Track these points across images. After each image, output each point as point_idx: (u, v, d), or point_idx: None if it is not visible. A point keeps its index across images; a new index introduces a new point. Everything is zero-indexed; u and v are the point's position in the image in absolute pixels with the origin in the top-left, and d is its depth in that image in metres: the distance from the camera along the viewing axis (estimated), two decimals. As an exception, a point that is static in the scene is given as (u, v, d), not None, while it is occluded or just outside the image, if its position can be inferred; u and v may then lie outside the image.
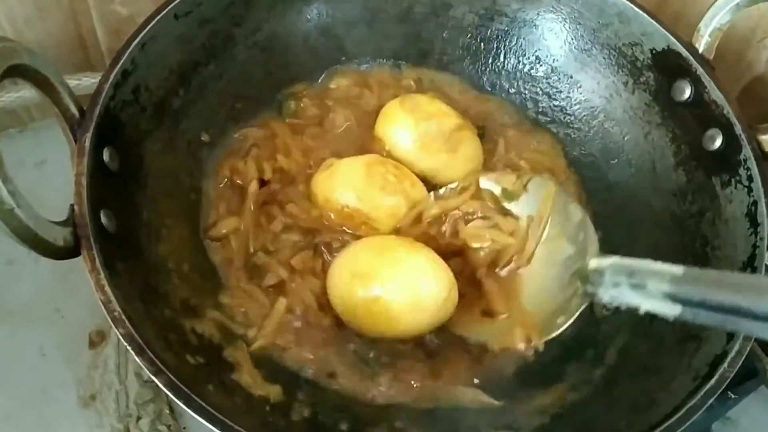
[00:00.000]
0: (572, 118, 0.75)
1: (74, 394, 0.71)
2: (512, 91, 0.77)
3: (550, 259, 0.60)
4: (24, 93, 0.83)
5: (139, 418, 0.69)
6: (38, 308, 0.75)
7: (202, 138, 0.68)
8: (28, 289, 0.77)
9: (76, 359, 0.72)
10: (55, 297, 0.76)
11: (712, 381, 0.50)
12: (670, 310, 0.44)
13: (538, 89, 0.76)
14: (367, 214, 0.64)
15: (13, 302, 0.76)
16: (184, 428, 0.70)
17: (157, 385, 0.70)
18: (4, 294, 0.76)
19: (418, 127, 0.68)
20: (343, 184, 0.64)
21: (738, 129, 0.61)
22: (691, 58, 0.65)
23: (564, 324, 0.56)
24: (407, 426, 0.56)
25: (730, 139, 0.62)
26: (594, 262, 0.53)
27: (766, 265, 0.55)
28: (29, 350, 0.73)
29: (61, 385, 0.71)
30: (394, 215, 0.64)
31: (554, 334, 0.57)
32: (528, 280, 0.61)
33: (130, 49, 0.60)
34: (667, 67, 0.67)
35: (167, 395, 0.69)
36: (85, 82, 0.78)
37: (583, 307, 0.55)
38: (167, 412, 0.70)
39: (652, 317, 0.60)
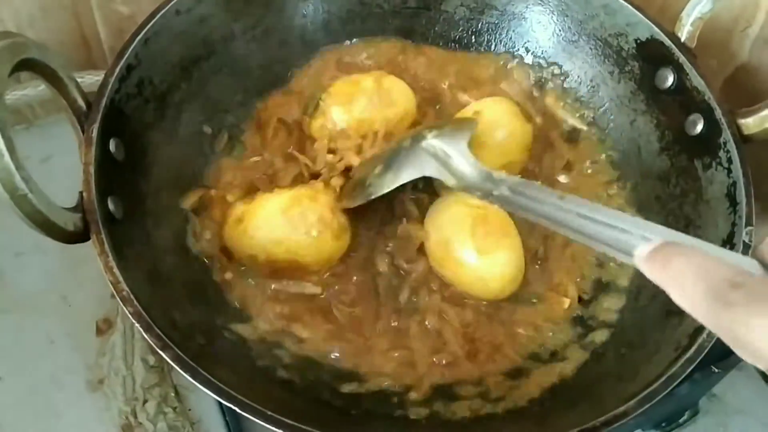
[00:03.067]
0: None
1: (83, 379, 0.73)
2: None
3: None
4: (29, 91, 0.85)
5: (145, 401, 0.71)
6: (46, 298, 0.77)
7: (204, 130, 0.71)
8: (35, 280, 0.79)
9: (84, 346, 0.75)
10: (62, 287, 0.78)
11: (692, 350, 0.52)
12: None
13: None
14: (294, 259, 0.63)
15: (21, 292, 0.78)
16: (189, 410, 0.72)
17: (162, 370, 0.74)
18: (12, 284, 0.78)
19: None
20: (262, 238, 0.63)
21: (718, 113, 0.63)
22: (673, 46, 0.67)
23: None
24: None
25: (711, 123, 0.64)
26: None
27: (743, 241, 0.58)
28: (38, 338, 0.75)
29: (70, 371, 0.73)
30: (321, 250, 0.64)
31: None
32: None
33: (134, 45, 0.62)
34: (651, 56, 0.69)
35: (172, 379, 0.73)
36: (88, 80, 0.79)
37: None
38: (172, 395, 0.73)
39: (636, 295, 0.64)
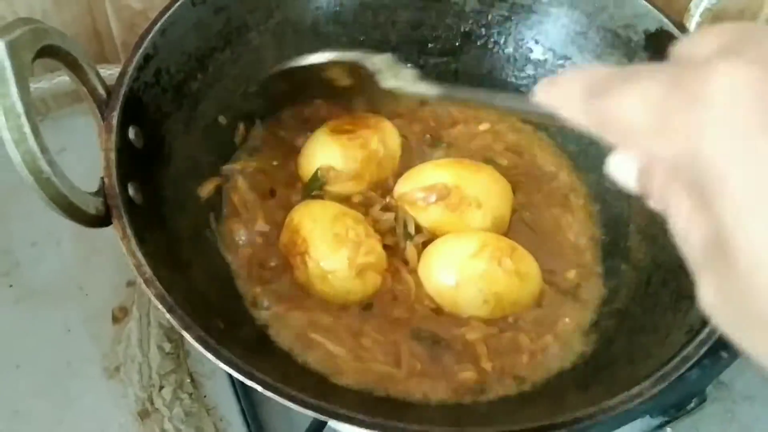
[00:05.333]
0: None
1: (99, 366, 0.74)
2: (511, 74, 0.80)
3: None
4: (42, 84, 0.86)
5: (161, 388, 0.73)
6: (62, 287, 0.79)
7: (219, 120, 0.72)
8: (51, 269, 0.80)
9: (100, 334, 0.76)
10: (77, 276, 0.80)
11: (705, 332, 0.53)
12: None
13: (537, 72, 0.79)
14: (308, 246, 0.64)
15: (37, 282, 0.79)
16: (205, 396, 0.73)
17: (178, 357, 0.75)
18: (28, 274, 0.80)
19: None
20: (309, 214, 0.66)
21: (727, 103, 0.64)
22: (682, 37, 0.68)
23: None
24: None
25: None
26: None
27: None
28: (55, 327, 0.76)
29: (87, 359, 0.75)
30: (327, 262, 0.64)
31: None
32: None
33: (151, 34, 0.63)
34: (660, 47, 0.70)
35: (188, 366, 0.74)
36: (101, 74, 0.81)
37: None
38: (188, 381, 0.74)
39: (647, 283, 0.65)
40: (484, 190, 0.69)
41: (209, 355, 0.49)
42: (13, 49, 0.47)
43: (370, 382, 0.60)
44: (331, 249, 0.63)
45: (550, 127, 0.77)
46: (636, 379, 0.52)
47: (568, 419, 0.50)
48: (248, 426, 0.71)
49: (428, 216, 0.69)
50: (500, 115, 0.78)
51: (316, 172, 0.70)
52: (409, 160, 0.74)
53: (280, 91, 0.72)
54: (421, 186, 0.69)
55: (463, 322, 0.65)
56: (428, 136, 0.77)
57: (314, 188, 0.70)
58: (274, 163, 0.73)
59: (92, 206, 0.53)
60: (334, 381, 0.60)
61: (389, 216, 0.69)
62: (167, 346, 0.74)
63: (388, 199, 0.71)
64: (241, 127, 0.74)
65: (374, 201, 0.70)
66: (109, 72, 0.78)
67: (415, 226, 0.69)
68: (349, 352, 0.62)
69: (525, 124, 0.79)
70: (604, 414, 0.50)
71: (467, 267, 0.64)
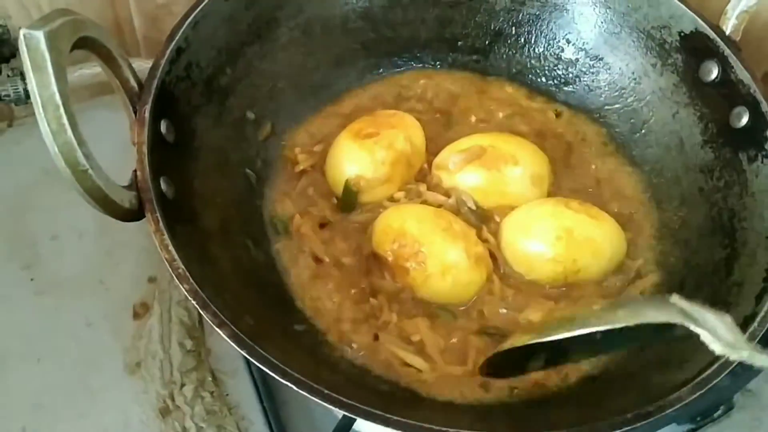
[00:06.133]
0: (601, 99, 0.77)
1: (120, 362, 0.73)
2: (541, 73, 0.80)
3: None
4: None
5: (183, 385, 0.71)
6: (83, 281, 0.78)
7: (248, 116, 0.71)
8: (72, 263, 0.79)
9: (121, 329, 0.75)
10: (98, 270, 0.79)
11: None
12: None
13: (569, 72, 0.79)
14: (421, 245, 0.63)
15: (58, 275, 0.78)
16: (227, 395, 0.72)
17: (199, 354, 0.74)
18: (49, 268, 0.79)
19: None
20: (411, 216, 0.65)
21: (764, 106, 0.63)
22: (718, 39, 0.67)
23: None
24: None
25: (757, 116, 0.64)
26: None
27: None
28: (76, 321, 0.75)
29: (108, 354, 0.74)
30: (446, 256, 0.64)
31: None
32: None
33: (183, 27, 0.63)
34: (695, 48, 0.69)
35: (209, 364, 0.73)
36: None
37: None
38: (210, 379, 0.73)
39: (680, 287, 0.64)
40: (519, 148, 0.70)
41: (243, 353, 0.48)
42: (51, 40, 0.47)
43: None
44: (448, 243, 0.63)
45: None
46: (675, 385, 0.51)
47: (604, 425, 0.49)
48: (270, 426, 0.70)
49: (467, 180, 0.68)
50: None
51: (348, 187, 0.69)
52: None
53: None
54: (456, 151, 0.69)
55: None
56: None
57: (351, 202, 0.69)
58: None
59: (126, 200, 0.53)
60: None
61: (451, 200, 0.69)
62: (188, 344, 0.74)
63: (429, 179, 0.71)
64: (269, 125, 0.73)
65: (420, 192, 0.70)
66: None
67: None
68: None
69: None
70: (643, 419, 0.49)
71: (537, 212, 0.66)
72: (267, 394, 0.71)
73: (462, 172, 0.69)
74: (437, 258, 0.63)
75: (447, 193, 0.69)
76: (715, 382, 0.51)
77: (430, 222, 0.64)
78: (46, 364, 0.72)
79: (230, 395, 0.72)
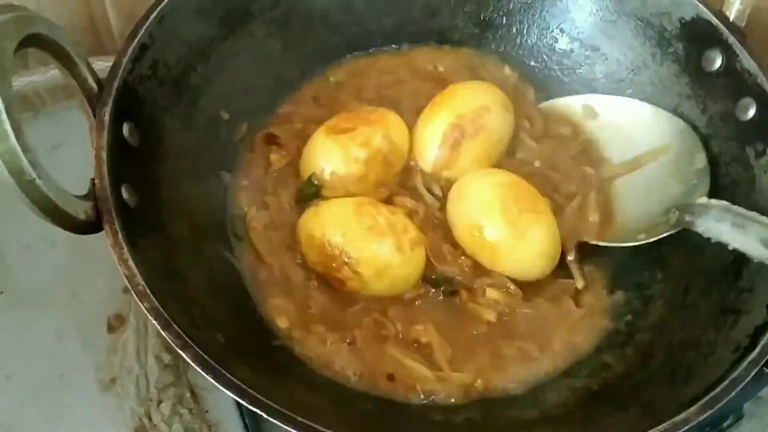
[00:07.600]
0: (598, 92, 0.73)
1: (93, 378, 0.70)
2: (535, 65, 0.76)
3: (655, 189, 0.67)
4: (36, 77, 0.83)
5: (160, 402, 0.69)
6: (55, 292, 0.75)
7: (222, 116, 0.68)
8: (44, 274, 0.76)
9: (95, 343, 0.72)
10: (72, 281, 0.75)
11: (755, 351, 0.49)
12: (759, 253, 0.52)
13: (563, 63, 0.75)
14: (348, 254, 0.61)
15: (29, 286, 0.75)
16: (206, 411, 0.69)
17: (177, 369, 0.71)
18: (20, 278, 0.76)
19: None
20: (330, 223, 0.62)
21: (773, 97, 0.59)
22: (721, 26, 0.63)
23: (643, 240, 0.63)
24: None
25: (764, 108, 0.60)
26: (703, 200, 0.60)
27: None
28: (46, 334, 0.72)
29: (80, 370, 0.70)
30: (377, 259, 0.61)
31: (631, 245, 0.64)
32: (625, 199, 0.68)
33: (148, 23, 0.59)
34: (697, 36, 0.66)
35: (188, 379, 0.70)
36: (98, 66, 0.76)
37: (667, 233, 0.62)
38: (188, 395, 0.70)
39: (685, 292, 0.60)
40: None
41: (208, 378, 0.44)
42: (-9, 38, 0.43)
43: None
44: (375, 244, 0.61)
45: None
46: (681, 403, 0.47)
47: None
48: (252, 444, 0.67)
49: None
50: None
51: (309, 178, 0.66)
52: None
53: None
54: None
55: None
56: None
57: (308, 196, 0.67)
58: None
59: (81, 211, 0.49)
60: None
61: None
62: (166, 358, 0.70)
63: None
64: (245, 126, 0.70)
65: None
66: (106, 64, 0.74)
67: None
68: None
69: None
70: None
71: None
72: (248, 410, 0.67)
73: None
74: (368, 263, 0.61)
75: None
76: (725, 400, 0.47)
77: (352, 224, 0.61)
78: (15, 382, 0.70)
79: (210, 412, 0.69)
